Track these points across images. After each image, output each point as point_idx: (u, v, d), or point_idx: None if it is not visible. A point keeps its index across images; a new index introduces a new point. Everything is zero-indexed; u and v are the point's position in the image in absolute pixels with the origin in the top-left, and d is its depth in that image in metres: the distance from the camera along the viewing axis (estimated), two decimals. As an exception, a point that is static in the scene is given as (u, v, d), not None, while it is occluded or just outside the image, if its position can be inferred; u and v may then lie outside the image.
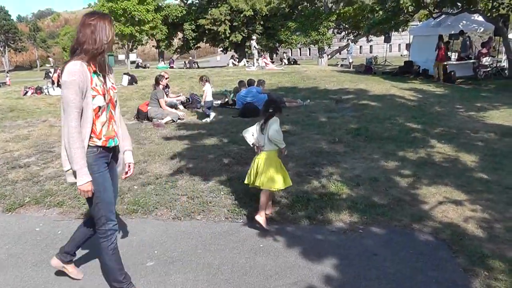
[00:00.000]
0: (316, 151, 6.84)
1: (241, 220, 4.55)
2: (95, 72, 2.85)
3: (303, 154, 6.65)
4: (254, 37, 28.16)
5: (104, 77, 2.94)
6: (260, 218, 4.25)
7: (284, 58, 36.75)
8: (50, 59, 41.76)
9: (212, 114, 10.45)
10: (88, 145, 2.83)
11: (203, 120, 10.31)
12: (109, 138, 2.97)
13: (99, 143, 2.90)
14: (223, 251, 3.92)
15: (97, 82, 2.85)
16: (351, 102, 11.60)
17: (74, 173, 2.79)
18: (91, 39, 2.77)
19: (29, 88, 17.23)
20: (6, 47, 74.33)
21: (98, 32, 2.79)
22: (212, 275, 3.52)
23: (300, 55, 57.52)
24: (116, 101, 3.09)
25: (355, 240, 4.00)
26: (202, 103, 10.76)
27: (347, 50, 31.76)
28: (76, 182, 2.81)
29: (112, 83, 3.04)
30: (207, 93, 10.39)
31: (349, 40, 33.34)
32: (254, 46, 26.23)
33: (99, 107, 2.86)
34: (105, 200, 2.96)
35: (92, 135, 2.85)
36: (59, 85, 17.07)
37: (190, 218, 4.65)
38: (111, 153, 3.08)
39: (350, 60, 29.30)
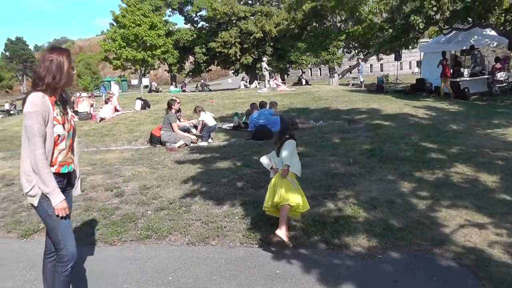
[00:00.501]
0: (331, 173, 6.75)
1: (257, 245, 4.46)
2: (55, 103, 3.01)
3: (318, 177, 6.56)
4: (264, 59, 28.30)
5: (65, 107, 3.14)
6: (281, 232, 4.21)
7: (303, 78, 36.87)
8: None
9: (207, 142, 10.53)
10: None
11: (200, 143, 10.43)
12: (64, 164, 3.10)
13: (53, 169, 3.00)
14: (239, 277, 3.83)
15: (58, 112, 3.01)
16: (364, 122, 11.50)
17: (46, 196, 2.92)
18: (51, 73, 2.92)
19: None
20: (24, 76, 76.27)
21: (57, 67, 2.94)
22: (228, 303, 3.44)
23: (311, 75, 57.68)
24: (74, 129, 3.25)
25: (374, 266, 3.88)
26: (198, 132, 10.76)
27: (357, 69, 31.70)
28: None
29: (72, 113, 3.24)
30: (206, 121, 10.67)
31: (359, 59, 33.34)
32: (265, 68, 26.35)
33: (59, 136, 3.02)
34: (62, 224, 3.03)
35: None
36: (74, 112, 17.26)
37: (205, 244, 4.58)
38: (65, 179, 3.18)
39: (361, 79, 29.18)
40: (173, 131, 10.36)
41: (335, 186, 6.10)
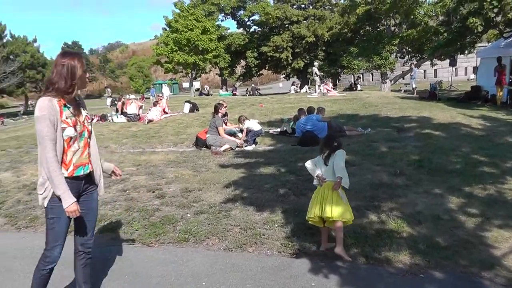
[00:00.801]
0: (376, 184, 6.52)
1: (294, 255, 4.35)
2: (65, 105, 3.04)
3: (362, 187, 6.36)
4: (316, 63, 28.03)
5: (78, 109, 3.17)
6: (339, 249, 4.16)
7: (358, 83, 36.27)
8: (108, 89, 43.97)
9: (253, 146, 10.52)
10: None
11: (246, 148, 10.43)
12: (79, 165, 3.14)
13: (66, 174, 3.06)
14: (273, 287, 3.74)
15: (67, 114, 3.03)
16: (414, 131, 11.09)
17: (58, 198, 3.00)
18: (62, 78, 2.99)
19: (94, 115, 18.14)
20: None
21: (68, 72, 2.99)
22: (259, 313, 3.36)
23: (363, 80, 56.90)
24: (91, 130, 3.28)
25: (416, 285, 3.66)
26: (242, 141, 10.76)
27: (410, 75, 30.77)
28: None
29: (87, 114, 3.27)
30: (252, 127, 10.68)
31: (412, 65, 32.34)
32: (316, 73, 26.12)
33: (71, 138, 3.06)
34: (56, 230, 3.14)
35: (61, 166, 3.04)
36: (123, 113, 17.82)
37: (242, 250, 4.52)
38: (82, 181, 3.22)
39: (414, 86, 28.25)
40: (219, 134, 10.43)
41: (379, 197, 5.87)
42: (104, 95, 37.12)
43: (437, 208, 5.35)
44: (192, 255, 4.47)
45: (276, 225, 5.05)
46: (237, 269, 4.11)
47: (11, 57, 41.78)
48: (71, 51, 3.23)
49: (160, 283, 3.92)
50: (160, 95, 20.35)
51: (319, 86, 26.18)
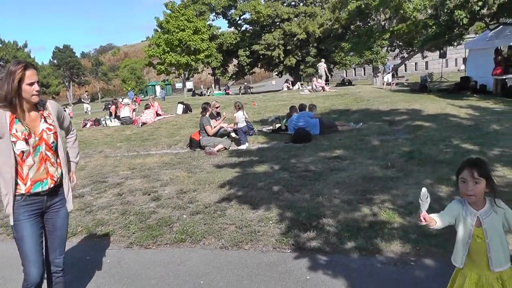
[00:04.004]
0: (368, 177, 6.62)
1: (289, 250, 4.44)
2: (17, 118, 2.90)
3: (354, 181, 6.47)
4: (322, 60, 28.03)
5: (36, 121, 3.00)
6: None
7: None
8: (84, 95, 41.01)
9: (246, 144, 10.56)
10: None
11: (239, 147, 10.44)
12: (37, 181, 2.97)
13: (23, 190, 2.93)
14: (269, 282, 3.83)
15: (19, 128, 2.88)
16: (404, 124, 11.25)
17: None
18: (4, 86, 2.84)
19: (88, 120, 18.15)
20: (71, 82, 79.81)
21: (7, 81, 2.84)
22: (256, 308, 3.45)
23: (355, 75, 57.15)
24: (53, 142, 3.08)
25: (407, 273, 3.77)
26: (231, 130, 10.78)
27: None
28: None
29: (50, 124, 3.08)
30: (238, 119, 10.60)
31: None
32: (325, 71, 26.07)
33: (23, 152, 2.90)
34: (23, 250, 2.97)
35: (18, 181, 2.92)
36: (116, 117, 17.85)
37: (238, 248, 4.61)
38: (44, 197, 3.05)
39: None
40: (208, 134, 10.42)
41: (371, 190, 5.98)
42: (82, 100, 34.24)
43: (427, 198, 5.45)
44: (189, 255, 4.55)
45: (271, 222, 5.13)
46: (233, 266, 4.19)
47: (1, 63, 41.49)
48: (21, 60, 3.02)
49: (158, 284, 3.99)
50: (150, 97, 20.44)
51: (327, 82, 26.21)
